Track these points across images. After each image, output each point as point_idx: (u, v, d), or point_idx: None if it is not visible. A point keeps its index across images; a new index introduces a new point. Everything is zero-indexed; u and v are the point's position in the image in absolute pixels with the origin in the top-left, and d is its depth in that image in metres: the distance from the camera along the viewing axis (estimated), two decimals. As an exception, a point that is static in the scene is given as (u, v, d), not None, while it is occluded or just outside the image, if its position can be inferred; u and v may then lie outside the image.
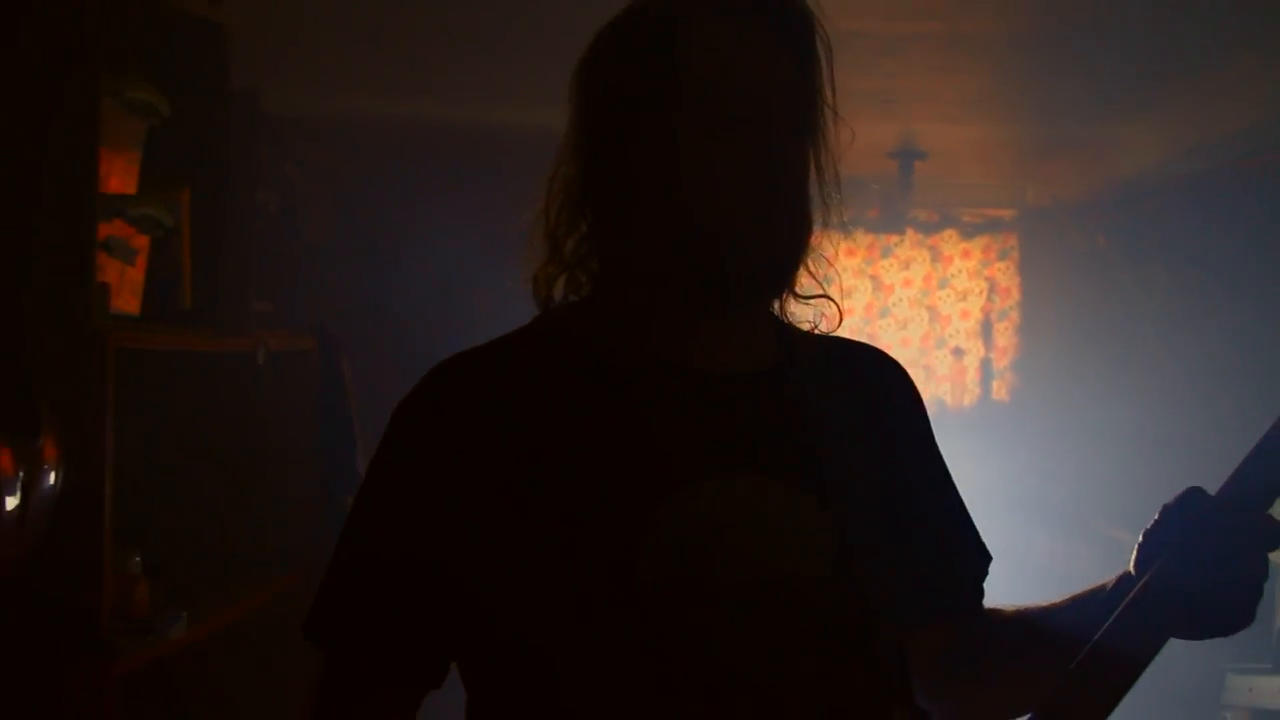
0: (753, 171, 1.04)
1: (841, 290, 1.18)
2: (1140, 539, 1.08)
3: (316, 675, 1.11)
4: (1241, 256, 3.58)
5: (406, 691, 1.10)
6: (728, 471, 1.05)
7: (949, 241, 5.29)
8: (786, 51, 1.08)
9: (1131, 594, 1.06)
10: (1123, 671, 1.04)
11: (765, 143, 1.05)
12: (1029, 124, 4.22)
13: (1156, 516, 1.07)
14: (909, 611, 1.13)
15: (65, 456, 1.82)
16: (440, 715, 1.28)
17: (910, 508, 1.16)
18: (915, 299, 5.29)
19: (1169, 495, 1.08)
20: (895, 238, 5.23)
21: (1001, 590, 1.26)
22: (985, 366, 5.30)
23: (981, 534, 1.24)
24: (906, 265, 5.28)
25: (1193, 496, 1.06)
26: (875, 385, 1.21)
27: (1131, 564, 1.09)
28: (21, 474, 1.72)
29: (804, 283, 1.14)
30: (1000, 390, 5.29)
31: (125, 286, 2.12)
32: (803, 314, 1.18)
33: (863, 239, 5.21)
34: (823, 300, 1.18)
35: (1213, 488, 1.06)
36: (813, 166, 1.11)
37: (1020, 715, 1.09)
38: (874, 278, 5.26)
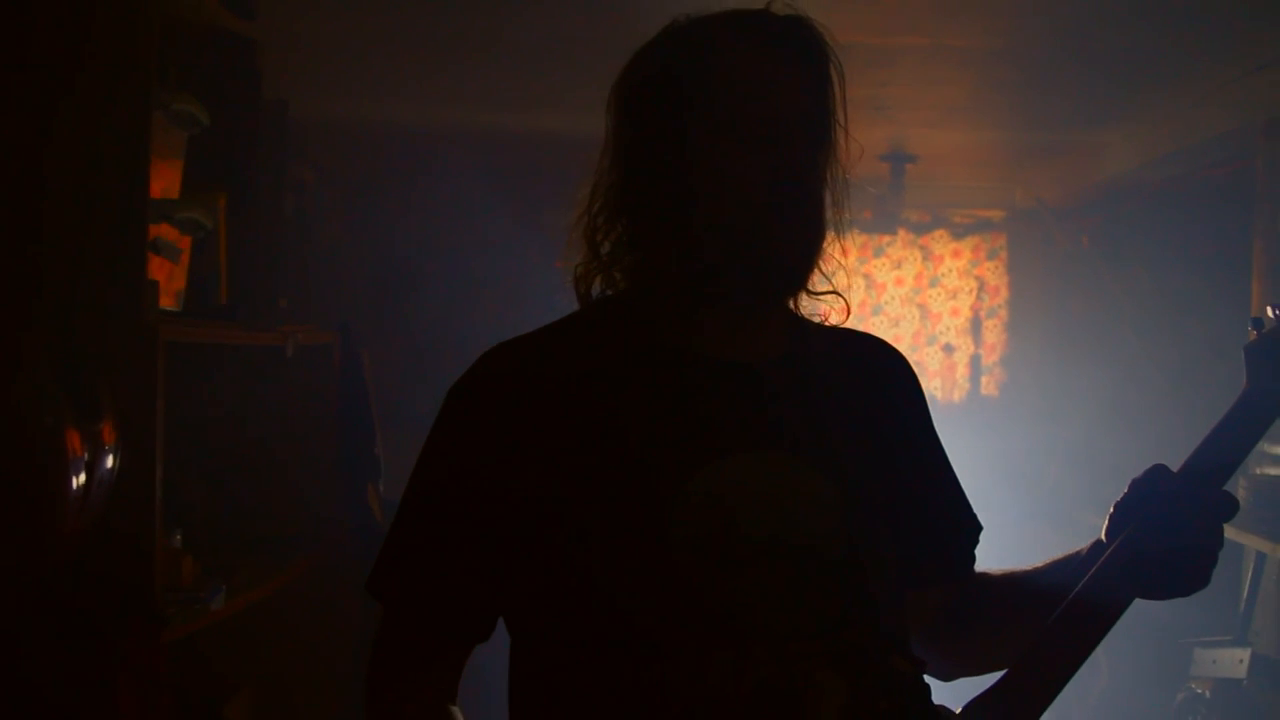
0: (779, 188, 1.16)
1: (839, 287, 1.29)
2: (1111, 510, 1.21)
3: (377, 628, 1.23)
4: (1217, 258, 3.64)
5: (457, 643, 1.22)
6: (754, 447, 1.17)
7: (939, 241, 5.34)
8: (807, 78, 1.20)
9: (1103, 558, 1.19)
10: (1094, 625, 1.17)
11: (790, 160, 1.17)
12: (1012, 130, 4.29)
13: (1126, 490, 1.20)
14: (909, 573, 1.25)
15: (121, 440, 1.93)
16: (483, 666, 1.37)
17: (911, 482, 1.28)
18: (907, 297, 5.34)
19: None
20: (887, 238, 5.30)
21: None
22: (974, 362, 5.35)
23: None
24: (898, 264, 5.34)
25: (1157, 472, 1.19)
26: (880, 372, 1.33)
27: (1103, 532, 1.22)
28: (86, 455, 1.84)
29: (814, 280, 1.25)
30: (989, 385, 5.35)
31: (169, 284, 2.24)
32: (810, 306, 1.29)
33: (856, 239, 5.24)
34: (829, 295, 1.28)
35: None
36: (828, 178, 1.22)
37: (1004, 663, 1.21)
38: (867, 276, 5.31)
